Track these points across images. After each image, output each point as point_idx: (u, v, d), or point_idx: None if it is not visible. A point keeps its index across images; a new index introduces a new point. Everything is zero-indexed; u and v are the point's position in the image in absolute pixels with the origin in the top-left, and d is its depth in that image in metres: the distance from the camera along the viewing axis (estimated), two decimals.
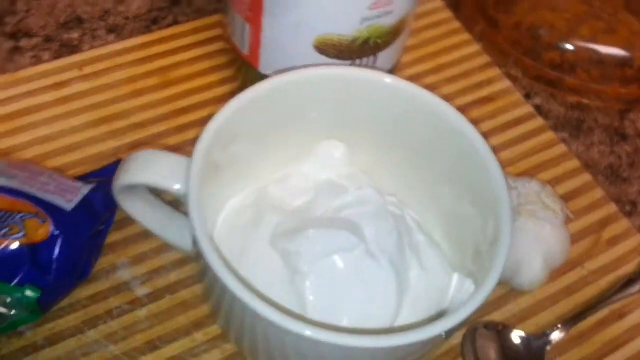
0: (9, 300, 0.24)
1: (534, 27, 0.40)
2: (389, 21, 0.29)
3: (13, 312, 0.24)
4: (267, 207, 0.29)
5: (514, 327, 0.30)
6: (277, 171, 0.30)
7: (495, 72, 0.40)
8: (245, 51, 0.32)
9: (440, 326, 0.22)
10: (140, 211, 0.27)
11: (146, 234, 0.30)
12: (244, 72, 0.34)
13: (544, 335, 0.30)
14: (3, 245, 0.24)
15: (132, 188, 0.26)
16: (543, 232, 0.30)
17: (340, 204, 0.28)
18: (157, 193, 0.28)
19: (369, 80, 0.27)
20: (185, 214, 0.23)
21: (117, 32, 0.39)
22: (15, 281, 0.24)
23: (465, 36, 0.42)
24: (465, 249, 0.27)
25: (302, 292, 0.26)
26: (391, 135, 0.29)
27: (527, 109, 0.39)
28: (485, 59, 0.41)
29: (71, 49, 0.37)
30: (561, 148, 0.38)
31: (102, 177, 0.30)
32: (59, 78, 0.35)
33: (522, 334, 0.30)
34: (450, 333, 0.22)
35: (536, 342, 0.30)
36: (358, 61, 0.31)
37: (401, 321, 0.26)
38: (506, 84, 0.40)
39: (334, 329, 0.21)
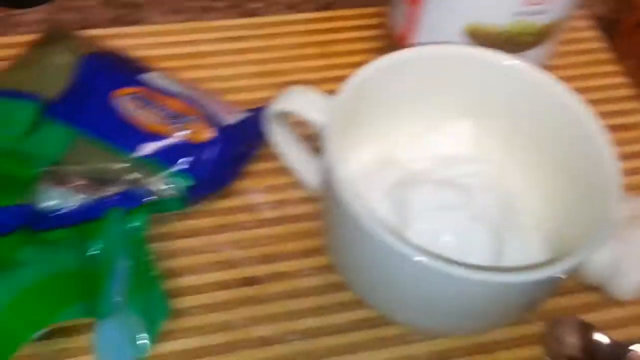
0: (166, 182, 0.29)
1: None
2: (540, 20, 0.32)
3: (168, 192, 0.29)
4: (391, 164, 0.32)
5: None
6: (404, 136, 0.33)
7: (637, 105, 0.41)
8: (398, 32, 0.36)
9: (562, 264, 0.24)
10: (282, 141, 0.32)
11: (282, 171, 0.34)
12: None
13: (628, 344, 0.30)
14: (172, 136, 0.30)
15: (281, 118, 0.30)
16: None
17: (457, 172, 0.31)
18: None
19: (506, 65, 0.30)
20: (319, 153, 0.27)
21: (294, 8, 0.44)
22: (175, 167, 0.30)
23: (615, 67, 0.43)
24: (570, 237, 0.29)
25: None
26: (518, 121, 0.31)
27: None
28: (629, 91, 0.42)
29: (252, 15, 0.43)
30: None
31: (256, 113, 0.35)
32: (238, 33, 0.41)
33: (607, 338, 0.30)
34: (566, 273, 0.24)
35: (619, 349, 0.30)
36: None
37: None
38: None
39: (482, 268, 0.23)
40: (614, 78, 0.42)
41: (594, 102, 0.41)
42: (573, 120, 0.28)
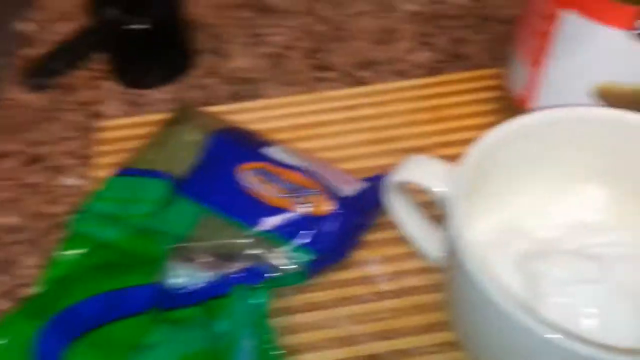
0: (288, 256, 0.30)
1: None
2: None
3: (290, 266, 0.30)
4: (515, 233, 0.30)
5: None
6: (528, 203, 0.31)
7: None
8: (518, 94, 0.35)
9: None
10: (401, 211, 0.31)
11: (399, 240, 0.33)
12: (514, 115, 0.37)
13: None
14: (295, 210, 0.30)
15: (400, 189, 0.30)
16: None
17: (592, 241, 0.29)
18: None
19: (637, 125, 0.28)
20: (440, 223, 0.26)
21: (402, 75, 0.44)
22: (298, 241, 0.30)
23: None
24: None
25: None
26: None
27: None
28: None
29: (362, 84, 0.44)
30: None
31: (372, 182, 0.34)
32: (350, 102, 0.42)
33: None
34: None
35: None
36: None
37: None
38: None
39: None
40: None
41: None
42: None
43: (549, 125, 0.29)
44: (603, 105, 0.31)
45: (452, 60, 0.45)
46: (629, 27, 0.28)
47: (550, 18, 0.30)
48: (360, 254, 0.34)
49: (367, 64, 0.45)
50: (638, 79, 0.30)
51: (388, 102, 0.42)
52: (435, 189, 0.28)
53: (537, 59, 0.32)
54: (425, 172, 0.28)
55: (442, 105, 0.41)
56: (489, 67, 0.43)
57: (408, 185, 0.30)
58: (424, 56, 0.46)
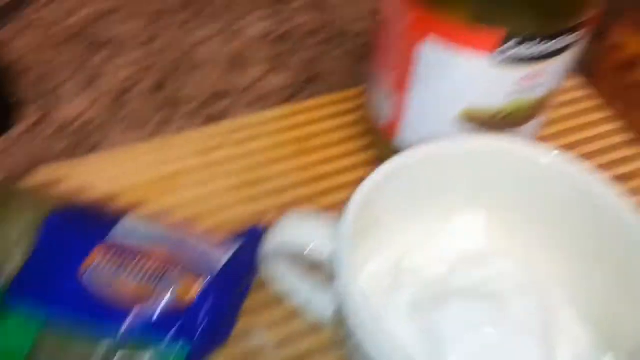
0: (160, 355, 0.25)
1: None
2: (534, 95, 0.29)
3: None
4: (404, 275, 0.28)
5: None
6: (414, 240, 0.30)
7: (636, 149, 0.39)
8: (384, 122, 0.33)
9: None
10: (283, 276, 0.28)
11: (279, 299, 0.30)
12: (380, 144, 0.35)
13: None
14: (158, 300, 0.26)
15: (279, 252, 0.27)
16: None
17: (480, 275, 0.28)
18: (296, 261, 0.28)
19: (512, 151, 0.27)
20: (325, 279, 0.23)
21: (260, 104, 0.41)
22: (165, 337, 0.26)
23: (603, 114, 0.41)
24: (614, 330, 0.26)
25: None
26: (532, 207, 0.28)
27: None
28: (624, 136, 0.40)
29: (217, 119, 0.40)
30: None
31: (243, 239, 0.31)
32: (206, 144, 0.38)
33: None
34: None
35: None
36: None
37: None
38: None
39: None
40: (605, 125, 0.41)
41: (590, 155, 0.40)
42: (606, 213, 0.26)
43: (426, 159, 0.27)
44: (469, 130, 0.30)
45: (311, 81, 0.43)
46: (492, 50, 0.27)
47: (411, 44, 0.28)
48: (243, 323, 0.31)
49: (220, 96, 0.42)
50: (498, 101, 0.29)
51: (247, 139, 0.38)
52: (317, 249, 0.25)
53: (400, 87, 0.31)
54: (303, 233, 0.25)
55: (306, 136, 0.39)
56: (349, 86, 0.42)
57: (287, 249, 0.27)
58: (279, 81, 0.43)
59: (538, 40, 0.27)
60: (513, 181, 0.28)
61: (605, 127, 0.40)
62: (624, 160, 0.39)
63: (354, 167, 0.37)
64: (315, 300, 0.28)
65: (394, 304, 0.27)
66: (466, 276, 0.28)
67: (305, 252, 0.26)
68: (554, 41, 0.27)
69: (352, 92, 0.41)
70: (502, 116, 0.30)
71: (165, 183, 0.36)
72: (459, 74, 0.28)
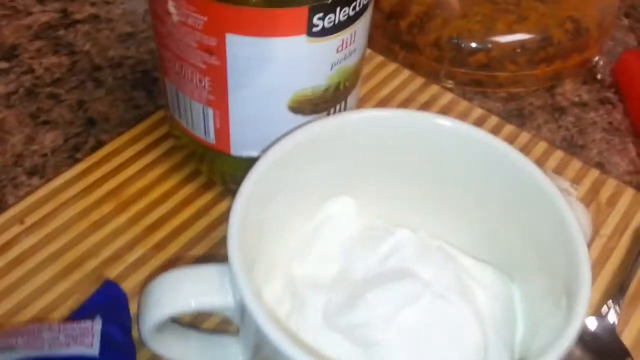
0: None
1: (452, 37, 0.41)
2: (352, 61, 0.29)
3: None
4: (303, 288, 0.26)
5: None
6: (295, 248, 0.27)
7: (434, 89, 0.41)
8: (211, 139, 0.30)
9: None
10: (179, 346, 0.24)
11: None
12: (210, 161, 0.32)
13: (604, 315, 0.29)
14: None
15: (163, 322, 0.22)
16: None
17: (378, 256, 0.26)
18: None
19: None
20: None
21: (39, 172, 0.35)
22: None
23: (393, 66, 0.42)
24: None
25: None
26: (410, 168, 0.27)
27: (478, 111, 0.40)
28: (419, 80, 0.41)
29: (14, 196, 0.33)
30: (525, 136, 0.39)
31: (98, 305, 0.26)
32: (6, 235, 0.31)
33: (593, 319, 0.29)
34: None
35: (602, 323, 0.29)
36: (332, 110, 0.30)
37: (492, 354, 0.24)
38: (449, 96, 0.41)
39: None
40: (399, 76, 0.42)
41: (403, 104, 0.40)
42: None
43: (290, 154, 0.25)
44: (302, 119, 0.28)
45: (87, 127, 0.37)
46: (301, 30, 0.25)
47: (215, 49, 0.26)
48: None
49: None
50: (325, 74, 0.28)
51: (48, 216, 0.32)
52: (212, 304, 0.21)
53: (217, 95, 0.28)
54: (191, 292, 0.21)
55: (122, 184, 0.34)
56: (135, 121, 0.37)
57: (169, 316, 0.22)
58: (49, 138, 0.36)
59: (338, 9, 0.26)
60: (385, 150, 0.27)
61: (399, 79, 0.42)
62: (429, 103, 0.40)
63: (190, 198, 0.33)
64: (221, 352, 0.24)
65: (306, 322, 0.25)
66: (364, 263, 0.26)
67: (192, 307, 0.22)
68: (351, 6, 0.26)
69: (149, 121, 0.37)
70: (333, 89, 0.29)
71: None
72: (276, 62, 0.26)
